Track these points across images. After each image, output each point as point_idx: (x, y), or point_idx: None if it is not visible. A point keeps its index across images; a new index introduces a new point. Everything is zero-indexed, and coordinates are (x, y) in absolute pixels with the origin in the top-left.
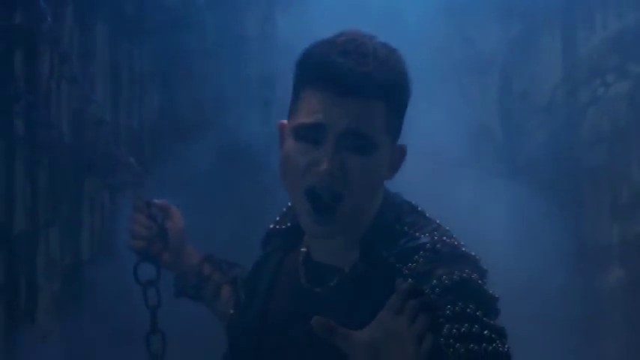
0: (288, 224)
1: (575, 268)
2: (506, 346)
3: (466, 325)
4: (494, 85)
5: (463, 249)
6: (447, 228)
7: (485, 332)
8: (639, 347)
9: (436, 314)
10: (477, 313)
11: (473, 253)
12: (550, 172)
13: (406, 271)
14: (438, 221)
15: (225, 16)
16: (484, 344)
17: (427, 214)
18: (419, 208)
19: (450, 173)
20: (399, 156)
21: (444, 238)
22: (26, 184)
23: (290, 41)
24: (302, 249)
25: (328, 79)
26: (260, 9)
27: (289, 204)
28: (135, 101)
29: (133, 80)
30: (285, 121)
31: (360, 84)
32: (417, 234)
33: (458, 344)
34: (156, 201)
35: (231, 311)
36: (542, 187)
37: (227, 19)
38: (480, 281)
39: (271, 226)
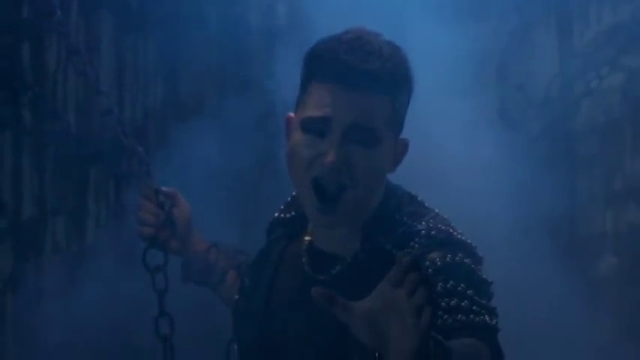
0: (293, 213)
1: (569, 256)
2: (494, 321)
3: (455, 299)
4: (492, 78)
5: (459, 236)
6: (445, 217)
7: (475, 307)
8: (630, 334)
9: (435, 289)
10: (468, 292)
11: (469, 241)
12: (545, 162)
13: None
14: (436, 210)
15: (228, 8)
16: (472, 316)
17: (426, 204)
18: (418, 199)
19: (447, 164)
20: (401, 149)
21: (439, 225)
22: (33, 173)
23: (291, 33)
24: (305, 237)
25: (335, 75)
26: (262, 1)
27: (294, 193)
28: (139, 93)
29: (137, 72)
30: (292, 114)
31: (365, 80)
32: (415, 223)
33: (446, 316)
34: (163, 189)
35: (236, 297)
36: (537, 176)
37: (229, 11)
38: (472, 266)
39: (276, 214)
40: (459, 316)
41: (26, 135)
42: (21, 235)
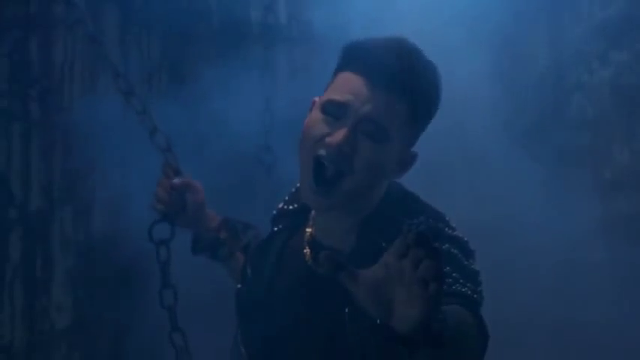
0: (296, 205)
1: (561, 245)
2: (476, 295)
3: None
4: (486, 71)
5: (450, 231)
6: (442, 212)
7: (458, 284)
8: (621, 324)
9: (442, 262)
10: (454, 274)
11: (460, 235)
12: (538, 153)
13: None
14: (433, 207)
15: (230, 3)
16: (453, 287)
17: (424, 201)
18: (417, 196)
19: (444, 157)
20: (408, 160)
21: (431, 221)
22: (41, 165)
23: (290, 29)
24: (307, 229)
25: (365, 67)
26: None
27: (298, 185)
28: (143, 85)
29: (142, 64)
30: (317, 98)
31: (391, 80)
32: (409, 220)
33: None
34: (176, 181)
35: (239, 286)
36: (531, 166)
37: (231, 6)
38: (460, 256)
39: (280, 205)
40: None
41: (34, 127)
42: (29, 224)
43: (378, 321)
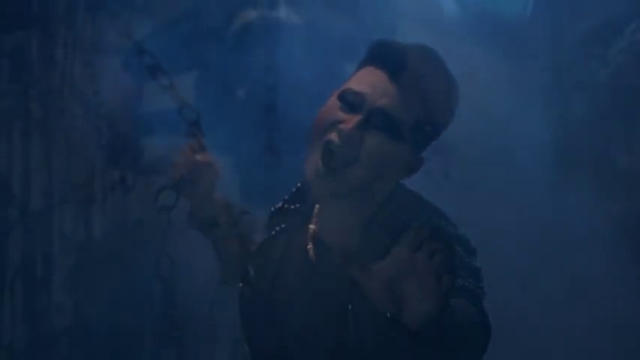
0: (297, 205)
1: (560, 245)
2: (479, 291)
3: None
4: (485, 72)
5: (451, 229)
6: (443, 211)
7: (460, 279)
8: (619, 323)
9: (454, 256)
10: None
11: (462, 233)
12: (537, 153)
13: None
14: (435, 205)
15: (231, 5)
16: (456, 282)
17: (427, 200)
18: (419, 195)
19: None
20: (416, 164)
21: (433, 219)
22: (42, 165)
23: (291, 32)
24: (310, 226)
25: (390, 63)
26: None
27: (299, 184)
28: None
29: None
30: (336, 90)
31: (412, 81)
32: (412, 219)
33: None
34: (199, 157)
35: (240, 285)
36: (530, 165)
37: (232, 8)
38: (462, 252)
39: (280, 204)
40: None
41: (35, 127)
42: (29, 224)
43: (388, 315)
